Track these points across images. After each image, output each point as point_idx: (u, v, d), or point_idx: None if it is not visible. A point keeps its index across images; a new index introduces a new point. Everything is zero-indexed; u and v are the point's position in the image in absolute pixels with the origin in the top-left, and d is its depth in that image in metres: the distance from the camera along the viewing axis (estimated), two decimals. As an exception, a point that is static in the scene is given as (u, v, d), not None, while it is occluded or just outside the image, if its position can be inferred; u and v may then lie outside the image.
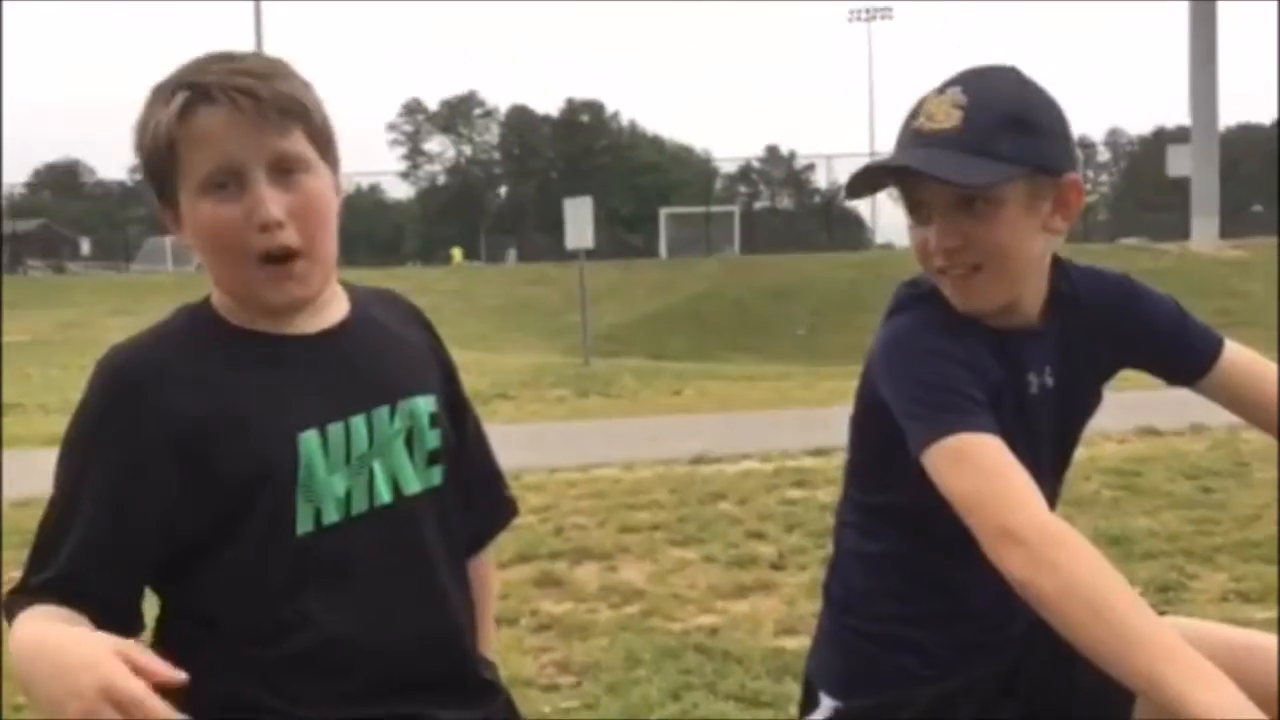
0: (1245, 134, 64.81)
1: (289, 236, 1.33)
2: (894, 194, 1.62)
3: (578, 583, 5.02)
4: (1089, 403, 1.74)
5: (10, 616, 1.30)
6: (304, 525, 1.35)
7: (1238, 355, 1.70)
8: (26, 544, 1.39)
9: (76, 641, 1.19)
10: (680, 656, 3.99)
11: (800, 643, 4.13)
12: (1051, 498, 1.66)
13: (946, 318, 1.59)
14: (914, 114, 1.56)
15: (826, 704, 1.73)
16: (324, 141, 1.39)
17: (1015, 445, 1.45)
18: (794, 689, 3.69)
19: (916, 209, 1.58)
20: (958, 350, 1.53)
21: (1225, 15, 27.80)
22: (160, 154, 1.33)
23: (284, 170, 1.34)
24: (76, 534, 1.31)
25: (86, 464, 1.33)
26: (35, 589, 1.31)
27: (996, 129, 1.51)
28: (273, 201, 1.32)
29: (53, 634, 1.22)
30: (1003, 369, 1.59)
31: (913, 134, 1.54)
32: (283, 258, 1.34)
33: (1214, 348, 1.69)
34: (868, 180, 1.58)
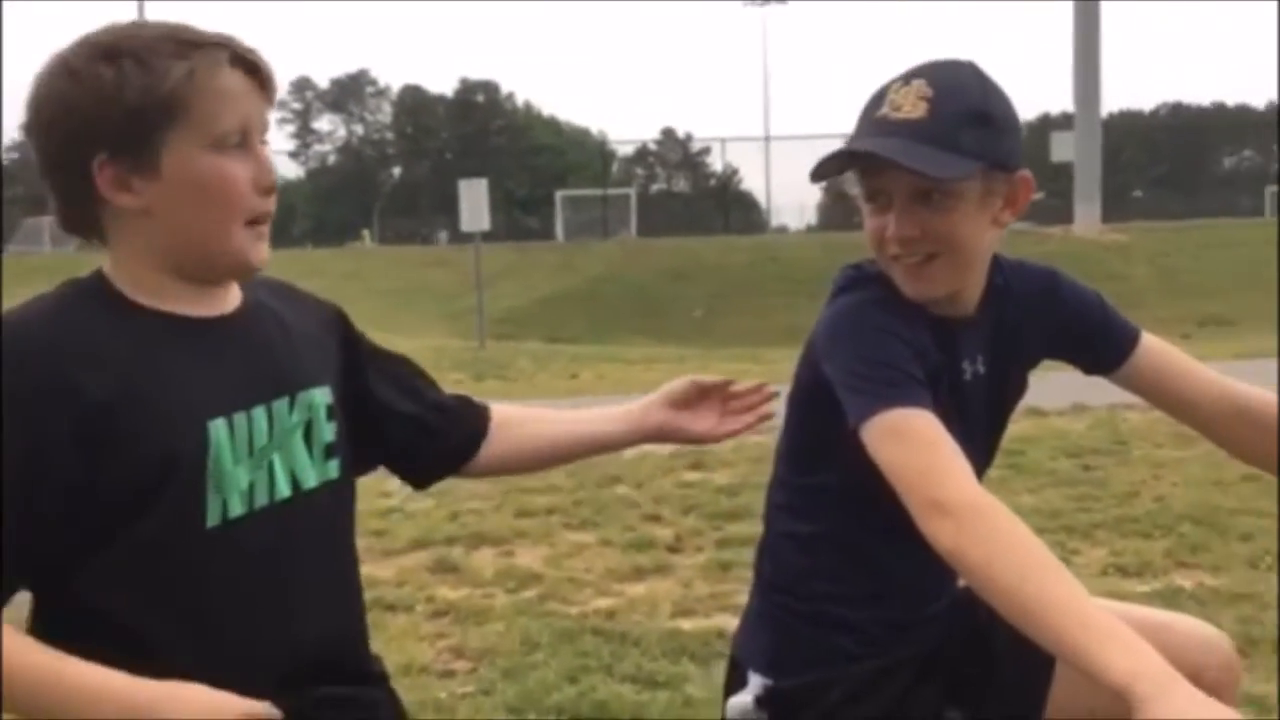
0: (1126, 121, 66.88)
1: (272, 202, 1.40)
2: (850, 179, 1.63)
3: (474, 568, 4.99)
4: (1017, 390, 1.79)
5: None
6: (213, 518, 1.32)
7: (1154, 346, 1.76)
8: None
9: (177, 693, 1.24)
10: (577, 640, 4.00)
11: (696, 624, 4.17)
12: (979, 480, 1.72)
13: (890, 299, 1.62)
14: (877, 101, 1.57)
15: (755, 682, 1.74)
16: None
17: (951, 428, 1.49)
18: (691, 669, 3.73)
19: (875, 196, 1.60)
20: (901, 329, 1.57)
21: (1108, 4, 28.60)
22: (156, 104, 1.30)
23: (263, 137, 1.40)
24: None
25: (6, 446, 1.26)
26: None
27: (960, 123, 1.54)
28: (273, 167, 1.40)
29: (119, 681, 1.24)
30: (940, 354, 1.62)
31: (877, 121, 1.56)
32: (261, 220, 1.39)
33: (1132, 339, 1.75)
34: (833, 164, 1.59)
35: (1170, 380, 1.75)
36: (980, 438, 1.73)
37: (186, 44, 1.33)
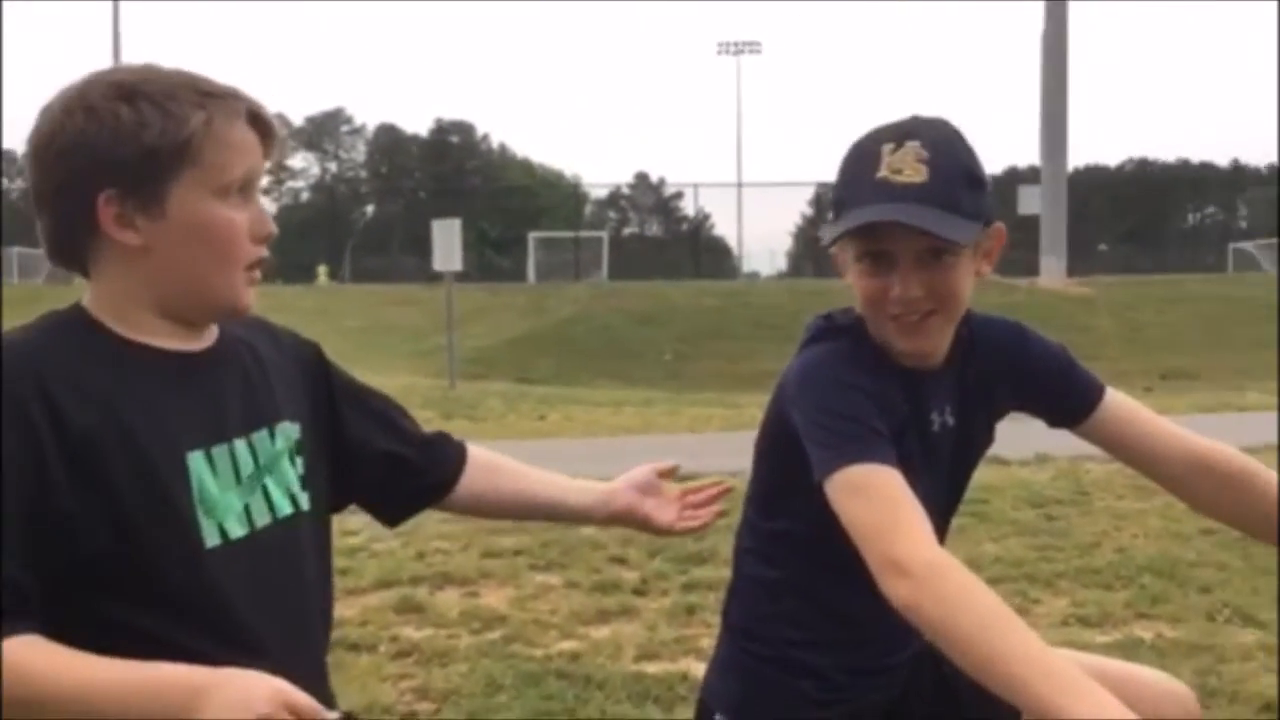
0: (1092, 175, 67.76)
1: (265, 250, 1.46)
2: (827, 236, 1.65)
3: (439, 608, 4.98)
4: (983, 441, 1.82)
5: None
6: (211, 539, 1.36)
7: (1118, 401, 1.80)
8: None
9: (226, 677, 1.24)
10: (541, 683, 3.99)
11: (661, 667, 4.17)
12: (943, 529, 1.76)
13: (859, 352, 1.66)
14: (872, 164, 1.59)
15: None
16: None
17: (918, 479, 1.53)
18: (654, 713, 3.73)
19: (879, 258, 1.61)
20: (868, 383, 1.60)
21: (1076, 60, 29.08)
22: (172, 148, 1.35)
23: (256, 189, 1.46)
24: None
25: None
26: None
27: (958, 185, 1.58)
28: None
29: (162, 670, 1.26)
30: (908, 405, 1.67)
31: (879, 185, 1.57)
32: (256, 267, 1.44)
33: (1096, 393, 1.79)
34: (849, 231, 1.59)
35: (1133, 435, 1.78)
36: (947, 487, 1.77)
37: (205, 94, 1.38)
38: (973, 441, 1.80)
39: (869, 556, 1.44)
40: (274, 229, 1.45)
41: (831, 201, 1.67)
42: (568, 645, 4.48)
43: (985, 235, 1.65)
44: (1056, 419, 1.82)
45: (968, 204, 1.59)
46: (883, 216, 1.55)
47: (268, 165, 1.46)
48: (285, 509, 1.46)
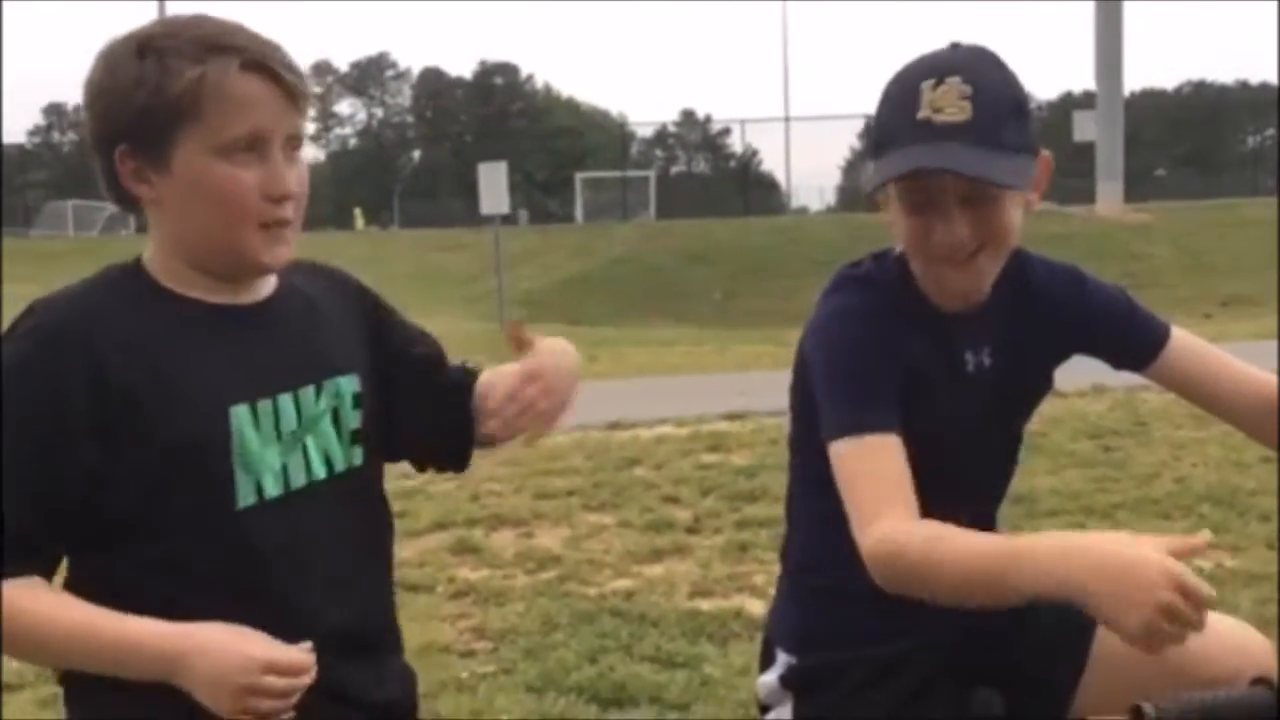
0: (1149, 100, 66.27)
1: (289, 209, 1.39)
2: (867, 177, 1.62)
3: (494, 549, 5.03)
4: (1035, 384, 1.78)
5: None
6: (246, 498, 1.36)
7: (1185, 341, 1.75)
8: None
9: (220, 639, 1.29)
10: (596, 620, 4.03)
11: (715, 604, 4.20)
12: (999, 476, 1.76)
13: (878, 302, 1.62)
14: (910, 100, 1.54)
15: (782, 659, 1.76)
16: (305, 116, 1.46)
17: (946, 421, 1.55)
18: (708, 650, 3.75)
19: (923, 200, 1.56)
20: (884, 339, 1.58)
21: (1129, -17, 28.31)
22: (173, 105, 1.32)
23: (293, 147, 1.40)
24: (11, 495, 1.28)
25: (9, 421, 1.29)
26: None
27: (1002, 120, 1.53)
28: (289, 175, 1.38)
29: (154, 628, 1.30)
30: (936, 348, 1.64)
31: (921, 125, 1.52)
32: (281, 223, 1.39)
33: (1162, 335, 1.74)
34: (894, 176, 1.55)
35: (1201, 376, 1.74)
36: (994, 428, 1.73)
37: (207, 47, 1.34)
38: (1020, 383, 1.75)
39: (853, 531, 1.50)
40: (290, 188, 1.38)
41: (873, 143, 1.63)
42: (622, 584, 4.52)
43: (1033, 166, 1.60)
44: (1122, 363, 1.78)
45: (1013, 137, 1.53)
46: (927, 162, 1.51)
47: (298, 119, 1.40)
48: (320, 472, 1.44)
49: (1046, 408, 7.45)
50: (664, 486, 6.02)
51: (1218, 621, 1.79)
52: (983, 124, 1.51)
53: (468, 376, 1.63)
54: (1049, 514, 5.12)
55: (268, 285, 1.47)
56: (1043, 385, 1.80)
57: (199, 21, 1.38)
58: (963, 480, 1.67)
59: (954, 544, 1.42)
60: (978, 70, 1.54)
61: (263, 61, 1.36)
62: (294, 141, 1.41)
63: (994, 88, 1.54)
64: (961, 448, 1.66)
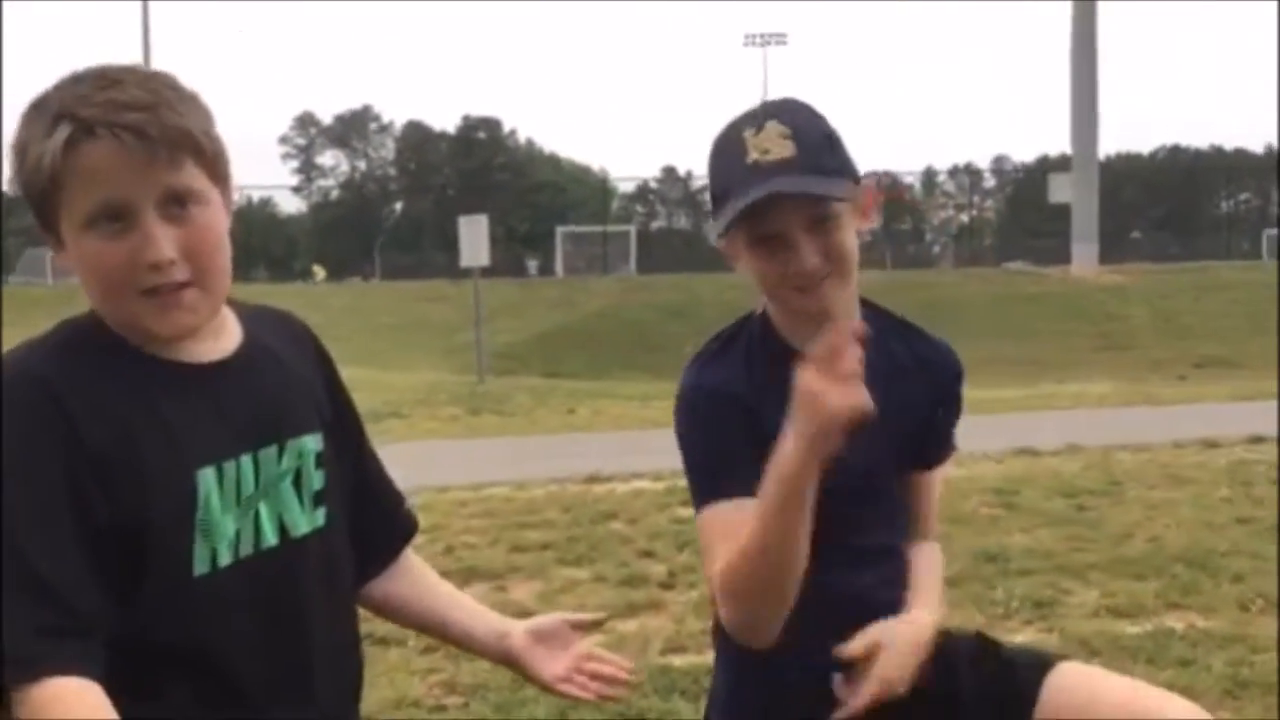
0: (1125, 163, 67.19)
1: (179, 272, 1.30)
2: (719, 232, 1.71)
3: (467, 603, 4.99)
4: (912, 424, 1.79)
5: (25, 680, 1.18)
6: (201, 566, 1.31)
7: (938, 477, 1.90)
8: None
9: None
10: (568, 676, 3.99)
11: (688, 661, 4.17)
12: (883, 502, 1.78)
13: (732, 371, 1.72)
14: (740, 151, 1.64)
15: None
16: (215, 164, 1.34)
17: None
18: (681, 706, 3.72)
19: (772, 240, 1.65)
20: (732, 407, 1.67)
21: (1106, 48, 28.81)
22: (42, 183, 1.28)
23: (175, 203, 1.30)
24: (49, 560, 1.20)
25: (25, 486, 1.23)
26: (58, 639, 1.19)
27: (823, 149, 1.65)
28: (163, 239, 1.28)
29: None
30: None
31: (753, 169, 1.62)
32: (171, 288, 1.30)
33: (946, 459, 1.89)
34: (736, 217, 1.63)
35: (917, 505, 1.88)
36: (882, 449, 1.74)
37: (56, 117, 1.27)
38: (895, 420, 1.73)
39: None
40: (161, 254, 1.28)
41: (711, 198, 1.72)
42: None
43: (857, 192, 1.69)
44: (917, 456, 1.84)
45: (834, 164, 1.65)
46: (767, 190, 1.59)
47: (172, 173, 1.28)
48: (271, 538, 1.38)
49: (1021, 466, 7.46)
50: (639, 540, 6.00)
51: (1169, 704, 1.77)
52: (807, 155, 1.62)
53: (407, 517, 1.68)
54: (1021, 573, 5.12)
55: (231, 340, 1.42)
56: (923, 427, 1.82)
57: (74, 82, 1.30)
58: (851, 517, 1.70)
59: (746, 525, 1.53)
60: (792, 112, 1.67)
61: (92, 127, 1.25)
62: (180, 197, 1.30)
63: (808, 124, 1.66)
64: (848, 484, 1.67)
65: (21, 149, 1.30)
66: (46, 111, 1.28)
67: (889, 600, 1.76)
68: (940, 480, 1.92)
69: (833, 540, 1.61)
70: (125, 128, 1.25)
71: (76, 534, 1.24)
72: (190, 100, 1.33)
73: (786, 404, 1.60)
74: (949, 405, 1.86)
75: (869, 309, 1.79)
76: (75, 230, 1.29)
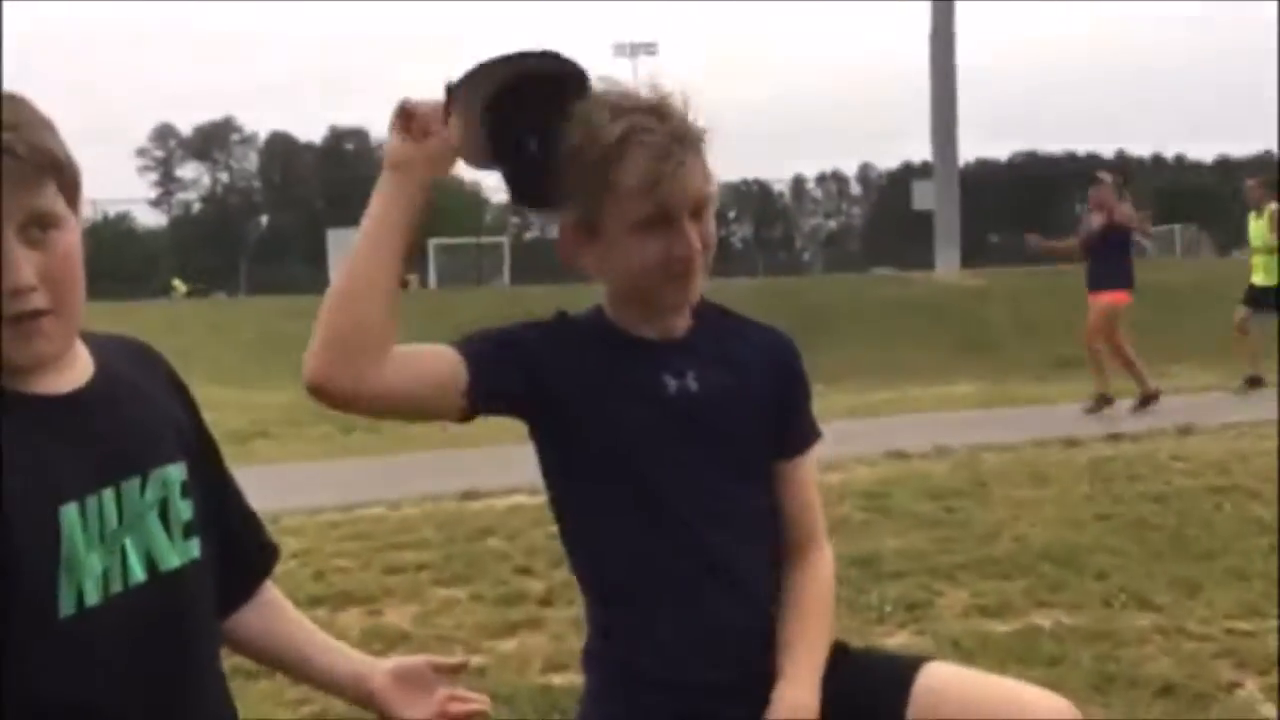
0: (983, 169, 69.31)
1: (39, 299, 1.26)
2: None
3: (340, 629, 4.86)
4: (750, 412, 1.82)
5: None
6: (67, 607, 1.26)
7: (810, 463, 1.88)
8: None
9: None
10: (446, 700, 3.92)
11: (568, 679, 4.12)
12: (716, 500, 1.75)
13: (546, 329, 1.81)
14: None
15: None
16: (73, 190, 1.31)
17: (635, 434, 1.70)
18: (561, 727, 3.69)
19: (660, 218, 1.69)
20: (523, 348, 1.77)
21: (963, 57, 29.65)
22: None
23: (37, 227, 1.26)
24: None
25: None
26: None
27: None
28: (25, 263, 1.24)
29: None
30: (626, 368, 1.76)
31: None
32: (31, 315, 1.26)
33: (811, 440, 1.89)
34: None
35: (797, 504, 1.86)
36: (714, 448, 1.76)
37: None
38: (731, 403, 1.80)
39: None
40: (18, 280, 1.24)
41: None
42: (474, 660, 4.41)
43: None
44: (777, 444, 1.84)
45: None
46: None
47: (39, 197, 1.25)
48: (139, 574, 1.33)
49: (890, 470, 7.58)
50: (517, 557, 5.93)
51: (1023, 692, 1.80)
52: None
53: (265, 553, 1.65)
54: (894, 575, 5.19)
55: (84, 371, 1.36)
56: (763, 416, 1.83)
57: None
58: (667, 502, 1.71)
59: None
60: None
61: None
62: (42, 220, 1.27)
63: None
64: (659, 465, 1.72)
65: None
66: None
67: (757, 627, 1.76)
68: (813, 474, 1.89)
69: (693, 559, 1.65)
70: None
71: None
72: (50, 124, 1.29)
73: (595, 376, 1.73)
74: (795, 382, 1.88)
75: (708, 307, 1.83)
76: None
